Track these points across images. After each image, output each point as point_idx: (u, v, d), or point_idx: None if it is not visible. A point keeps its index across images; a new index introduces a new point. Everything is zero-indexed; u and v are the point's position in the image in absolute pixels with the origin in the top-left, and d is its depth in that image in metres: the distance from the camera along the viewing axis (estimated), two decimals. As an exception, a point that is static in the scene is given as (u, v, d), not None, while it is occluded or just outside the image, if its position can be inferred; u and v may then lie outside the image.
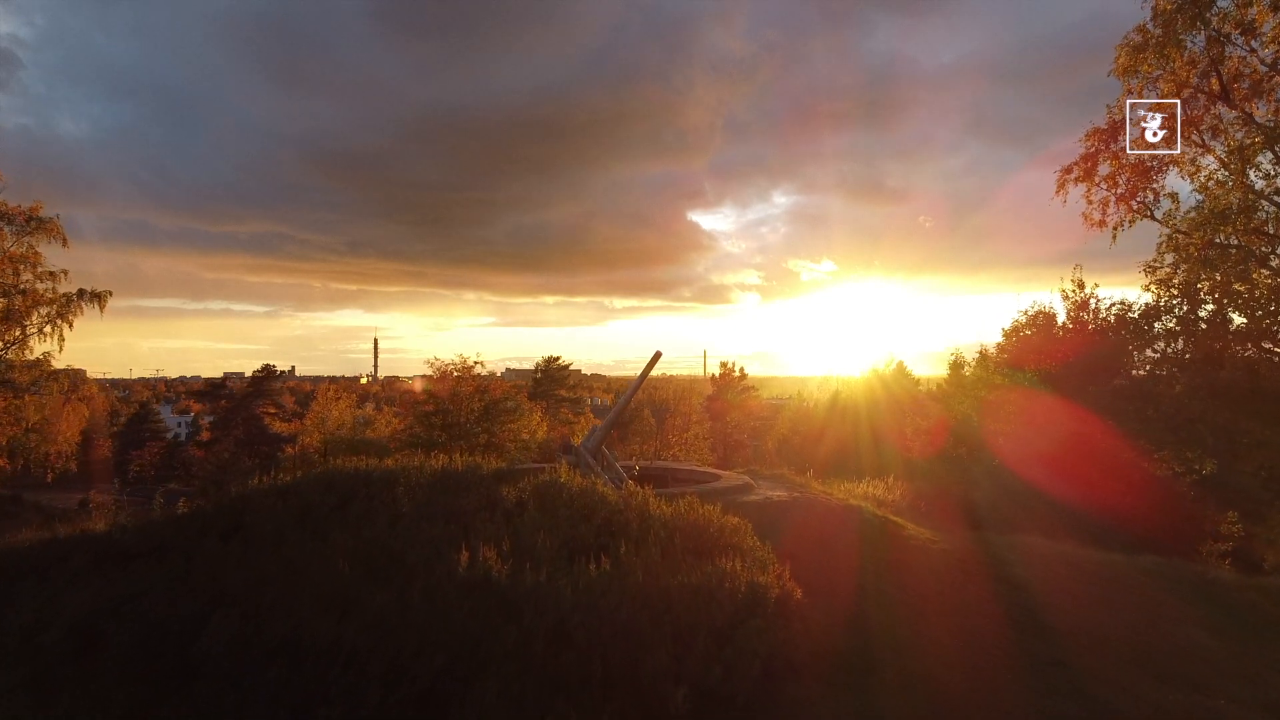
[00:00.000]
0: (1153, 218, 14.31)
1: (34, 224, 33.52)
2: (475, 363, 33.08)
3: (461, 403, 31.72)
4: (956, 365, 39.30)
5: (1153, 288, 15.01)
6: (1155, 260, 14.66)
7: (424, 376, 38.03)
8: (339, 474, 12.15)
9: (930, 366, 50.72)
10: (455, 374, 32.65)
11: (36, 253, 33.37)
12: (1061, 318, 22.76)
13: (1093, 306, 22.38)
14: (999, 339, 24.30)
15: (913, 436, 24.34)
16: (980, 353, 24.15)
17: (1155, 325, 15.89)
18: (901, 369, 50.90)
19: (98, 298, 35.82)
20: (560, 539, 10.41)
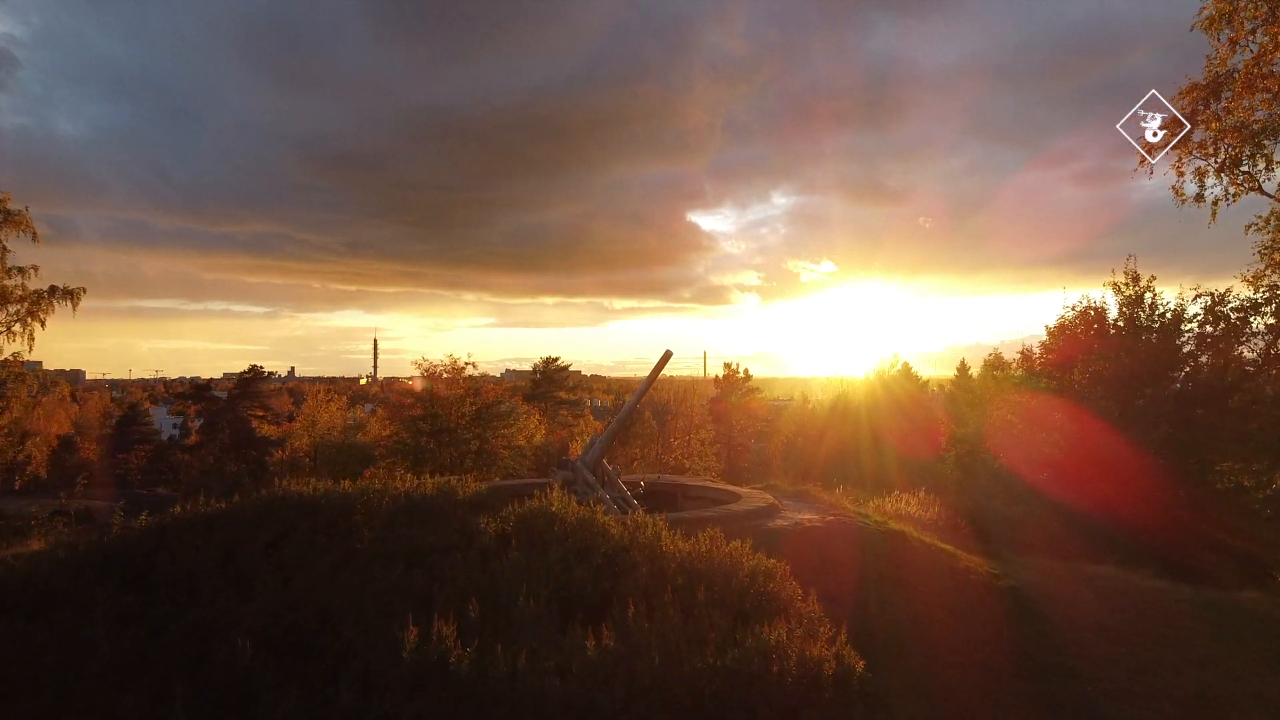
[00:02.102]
0: (1261, 191, 12.12)
1: (1, 216, 31.31)
2: (466, 363, 30.83)
3: (451, 406, 29.47)
4: (991, 365, 36.95)
5: (1268, 274, 12.73)
6: (1275, 240, 12.37)
7: (411, 378, 35.75)
8: (280, 501, 9.90)
9: (931, 368, 48.76)
10: (444, 375, 30.41)
11: (4, 247, 31.18)
12: (1114, 313, 20.50)
13: (1148, 302, 20.12)
14: (1040, 338, 22.07)
15: (947, 445, 22.09)
16: (1022, 352, 21.89)
17: (1253, 321, 13.63)
18: (907, 370, 48.78)
19: (70, 295, 33.66)
20: (550, 588, 8.16)
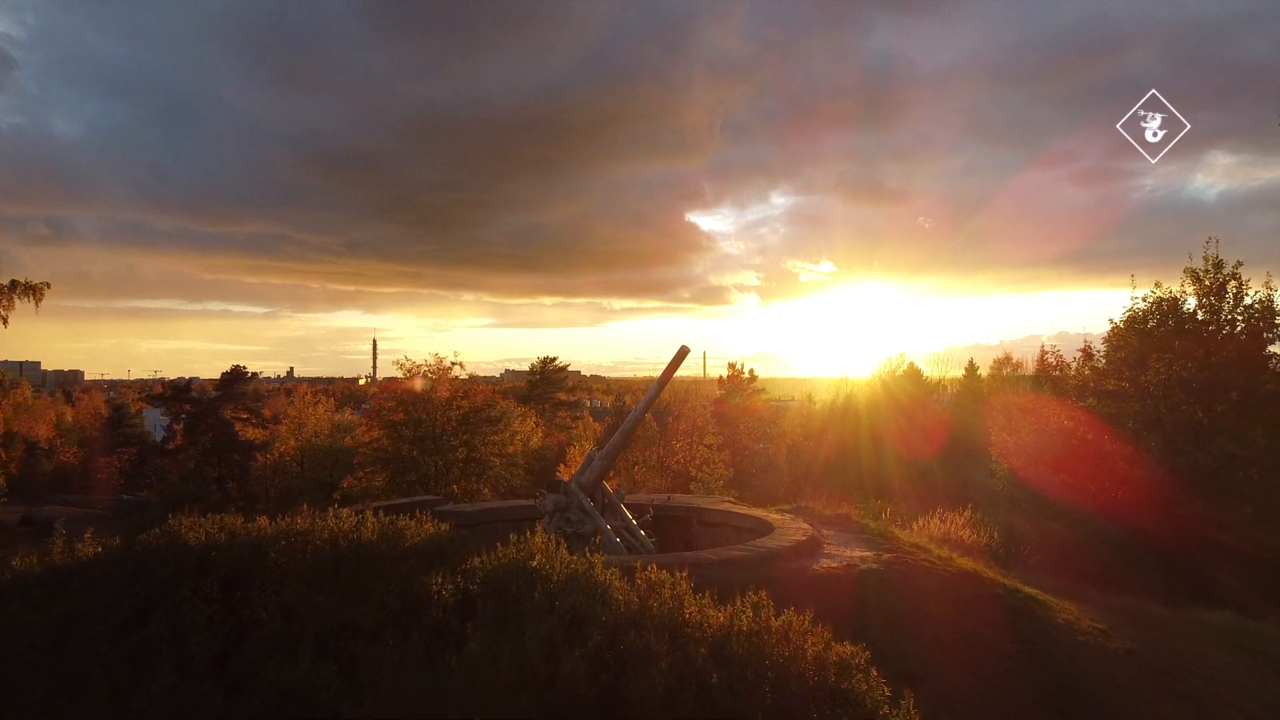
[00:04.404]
0: None
1: (-48, 205, 28.82)
2: (453, 363, 28.12)
3: (436, 411, 26.77)
4: (1001, 364, 34.55)
5: None
6: None
7: (392, 378, 33.09)
8: (158, 553, 7.20)
9: (932, 368, 46.41)
10: (429, 376, 27.71)
11: (-46, 238, 28.71)
12: (1191, 304, 17.81)
13: (1232, 293, 17.43)
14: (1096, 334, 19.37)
15: (999, 456, 19.39)
16: (1083, 350, 19.17)
17: None
18: (914, 371, 46.24)
19: (33, 290, 31.10)
20: (526, 696, 5.47)
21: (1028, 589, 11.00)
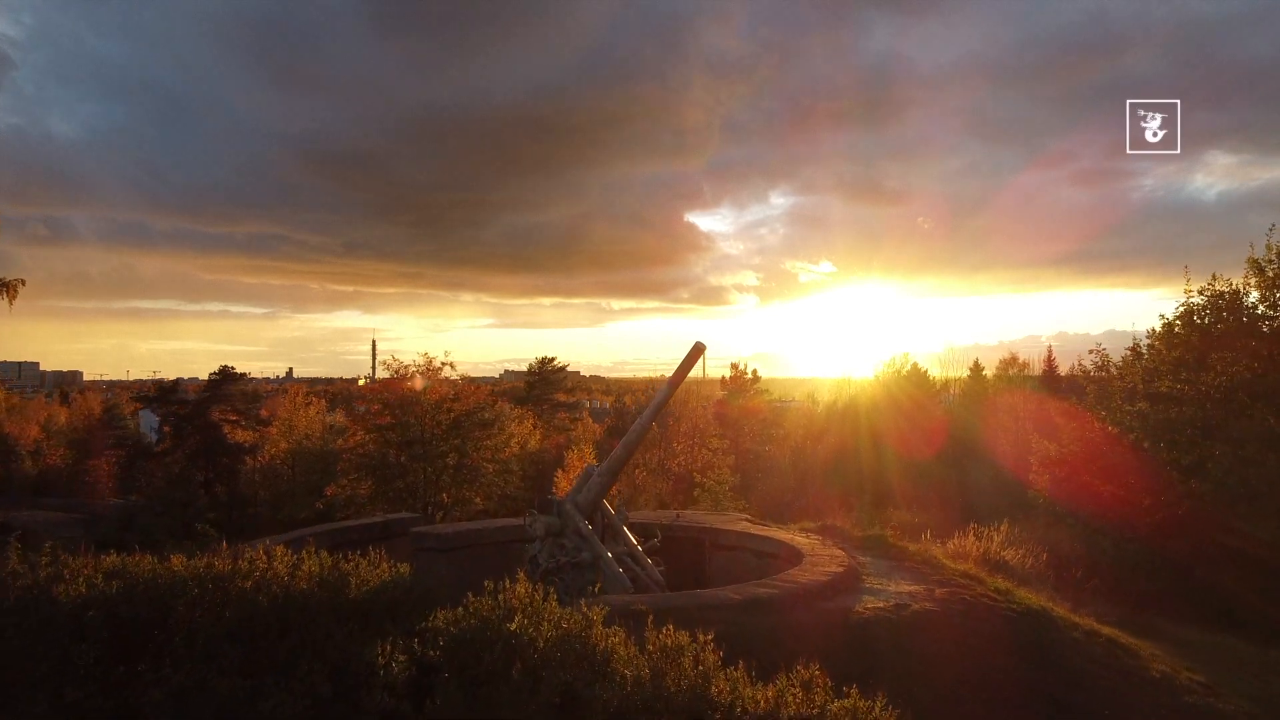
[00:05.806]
0: None
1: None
2: (444, 364, 26.43)
3: (425, 414, 25.08)
4: (1007, 364, 33.12)
5: None
6: None
7: (376, 379, 31.44)
8: (14, 613, 5.50)
9: (932, 368, 45.06)
10: (418, 374, 26.04)
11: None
12: (1253, 298, 16.13)
13: (1298, 284, 15.74)
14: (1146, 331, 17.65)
15: (1039, 466, 17.70)
16: (1132, 349, 17.47)
17: None
18: (919, 371, 44.64)
19: (6, 287, 29.57)
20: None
21: (1106, 630, 9.32)
